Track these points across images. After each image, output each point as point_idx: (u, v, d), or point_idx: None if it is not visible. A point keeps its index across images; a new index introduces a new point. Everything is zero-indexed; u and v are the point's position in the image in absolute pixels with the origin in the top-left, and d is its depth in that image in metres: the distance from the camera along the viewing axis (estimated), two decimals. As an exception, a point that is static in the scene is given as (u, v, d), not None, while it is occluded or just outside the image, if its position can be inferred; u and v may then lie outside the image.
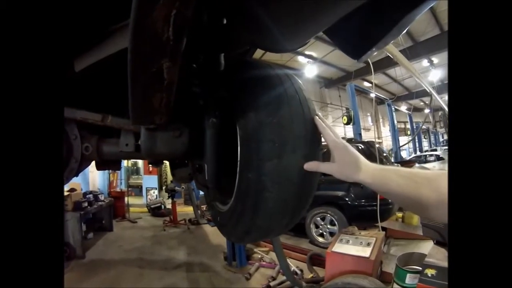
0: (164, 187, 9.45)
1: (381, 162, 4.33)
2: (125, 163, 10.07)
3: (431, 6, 0.70)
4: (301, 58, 10.73)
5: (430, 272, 1.78)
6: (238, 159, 0.82)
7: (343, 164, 0.67)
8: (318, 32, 0.74)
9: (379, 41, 0.79)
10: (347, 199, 4.47)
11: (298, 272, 3.58)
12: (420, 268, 2.12)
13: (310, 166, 0.74)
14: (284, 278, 3.43)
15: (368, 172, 0.64)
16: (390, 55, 6.70)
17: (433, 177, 0.56)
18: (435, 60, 11.01)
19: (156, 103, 0.63)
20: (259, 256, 4.30)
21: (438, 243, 1.99)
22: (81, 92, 1.00)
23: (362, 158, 0.67)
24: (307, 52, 10.24)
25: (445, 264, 1.78)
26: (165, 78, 0.54)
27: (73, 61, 0.91)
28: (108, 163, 1.37)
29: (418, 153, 12.91)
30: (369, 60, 2.98)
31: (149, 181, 9.71)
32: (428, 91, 8.39)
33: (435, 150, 12.70)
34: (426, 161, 9.82)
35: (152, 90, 0.60)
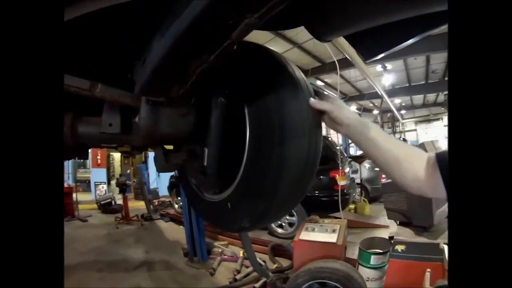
0: (114, 181, 8.80)
1: (335, 155, 4.63)
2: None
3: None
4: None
5: (400, 247, 2.00)
6: (247, 142, 0.79)
7: (341, 105, 0.75)
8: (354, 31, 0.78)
9: (391, 48, 0.85)
10: (305, 190, 4.64)
11: (262, 263, 3.63)
12: (382, 251, 2.34)
13: (313, 102, 0.76)
14: (248, 270, 3.45)
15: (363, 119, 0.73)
16: (348, 57, 7.11)
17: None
18: (388, 66, 12.02)
19: (193, 67, 0.53)
20: (220, 250, 4.27)
21: (401, 223, 2.22)
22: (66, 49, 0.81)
23: None
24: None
25: (411, 239, 2.00)
26: (231, 37, 0.46)
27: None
28: (77, 150, 1.19)
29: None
30: (335, 59, 3.13)
31: (98, 174, 8.93)
32: (380, 93, 9.20)
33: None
34: (374, 157, 10.71)
35: (205, 49, 0.49)
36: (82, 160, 9.96)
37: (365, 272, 2.31)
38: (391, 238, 2.30)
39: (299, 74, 0.82)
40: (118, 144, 1.00)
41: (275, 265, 3.61)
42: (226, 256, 4.07)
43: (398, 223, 2.24)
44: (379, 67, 11.81)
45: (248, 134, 0.79)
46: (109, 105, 0.84)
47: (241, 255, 3.87)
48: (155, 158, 1.00)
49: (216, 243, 4.47)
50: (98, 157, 8.84)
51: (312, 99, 0.76)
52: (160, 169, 1.04)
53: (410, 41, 0.82)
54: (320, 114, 0.77)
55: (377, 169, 7.81)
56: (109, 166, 9.88)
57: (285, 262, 3.59)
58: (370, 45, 0.87)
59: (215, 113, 0.82)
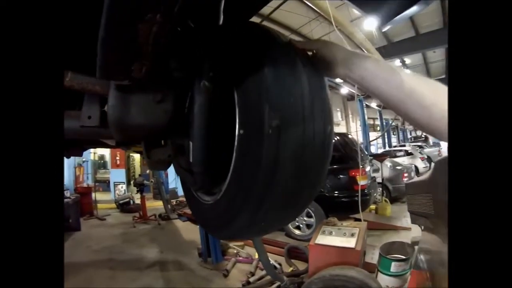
0: (132, 181, 9.03)
1: (355, 153, 4.39)
2: (91, 155, 9.47)
3: None
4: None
5: (424, 257, 1.77)
6: (237, 132, 0.66)
7: (331, 41, 0.65)
8: None
9: (404, 11, 0.84)
10: (323, 190, 4.45)
11: (277, 266, 3.50)
12: (404, 257, 2.13)
13: (300, 43, 0.67)
14: (263, 273, 3.34)
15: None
16: (366, 51, 6.90)
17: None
18: (407, 60, 11.51)
19: (142, 33, 0.42)
20: (235, 251, 4.18)
21: (426, 229, 1.98)
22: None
23: None
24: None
25: (437, 249, 1.77)
26: None
27: None
28: (66, 147, 1.12)
29: (388, 148, 13.51)
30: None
31: (117, 175, 9.26)
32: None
33: (404, 145, 13.35)
34: (396, 156, 10.24)
35: (146, 5, 0.38)
36: (102, 161, 10.36)
37: (384, 280, 2.13)
38: (414, 243, 2.08)
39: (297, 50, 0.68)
40: (100, 138, 0.92)
41: (291, 268, 3.47)
42: (241, 258, 3.98)
43: (422, 228, 1.99)
44: (397, 62, 11.34)
45: (238, 122, 0.67)
46: (89, 96, 0.78)
47: (256, 257, 3.75)
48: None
49: (231, 244, 4.37)
50: (117, 158, 9.14)
51: (298, 40, 0.67)
52: (148, 166, 0.96)
53: (414, 8, 0.83)
54: (318, 67, 0.66)
55: (398, 167, 7.42)
56: (129, 167, 10.17)
57: (301, 265, 3.44)
58: (382, 9, 0.86)
59: (198, 99, 0.70)
